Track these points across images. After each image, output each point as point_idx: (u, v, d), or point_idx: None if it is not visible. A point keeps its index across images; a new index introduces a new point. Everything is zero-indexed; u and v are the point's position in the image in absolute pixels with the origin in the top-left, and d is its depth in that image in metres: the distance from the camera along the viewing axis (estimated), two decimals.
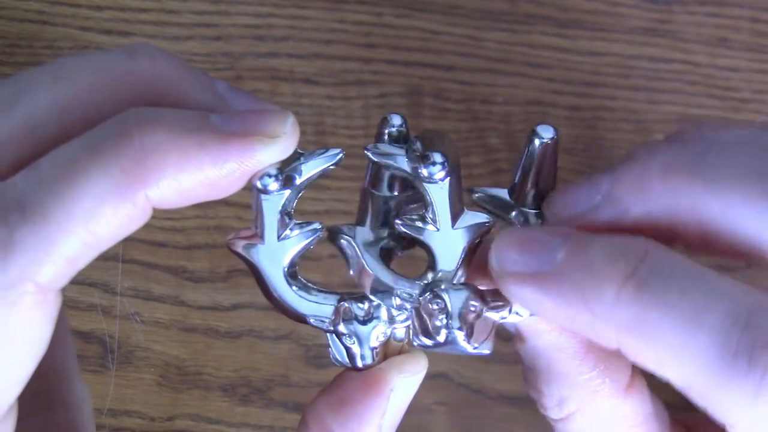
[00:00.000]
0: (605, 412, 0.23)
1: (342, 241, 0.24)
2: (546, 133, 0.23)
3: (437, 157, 0.21)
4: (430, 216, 0.23)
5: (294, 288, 0.23)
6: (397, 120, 0.23)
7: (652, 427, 0.23)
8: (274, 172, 0.21)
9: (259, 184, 0.21)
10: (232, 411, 0.36)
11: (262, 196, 0.22)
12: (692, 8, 0.40)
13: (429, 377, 0.36)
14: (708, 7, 0.40)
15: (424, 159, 0.21)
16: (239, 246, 0.23)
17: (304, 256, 0.23)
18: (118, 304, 0.37)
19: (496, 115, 0.39)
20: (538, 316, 0.22)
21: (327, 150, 0.22)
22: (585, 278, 0.20)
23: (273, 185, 0.21)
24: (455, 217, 0.23)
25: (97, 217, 0.19)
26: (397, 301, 0.23)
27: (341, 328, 0.23)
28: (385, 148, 0.23)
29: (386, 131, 0.23)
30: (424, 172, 0.21)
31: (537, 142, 0.23)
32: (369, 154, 0.23)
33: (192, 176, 0.19)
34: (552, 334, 0.22)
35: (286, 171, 0.21)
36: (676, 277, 0.19)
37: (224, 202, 0.36)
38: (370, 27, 0.39)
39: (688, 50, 0.39)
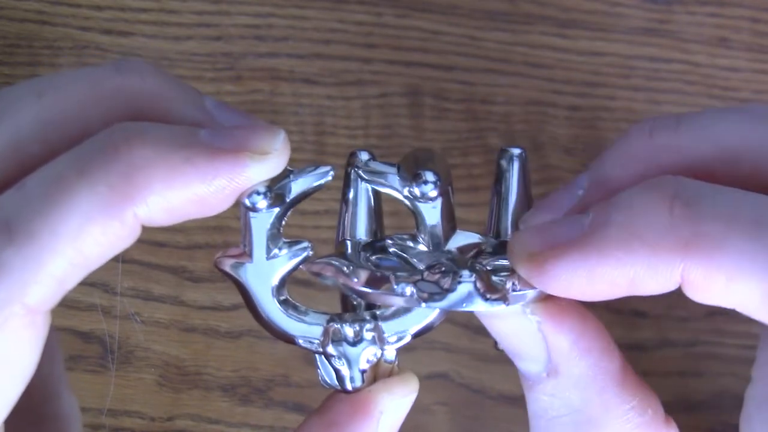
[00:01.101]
0: None
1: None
2: (514, 150, 0.23)
3: (429, 176, 0.21)
4: (422, 236, 0.22)
5: (282, 308, 0.23)
6: (364, 156, 0.23)
7: None
8: (263, 189, 0.20)
9: (247, 202, 0.21)
10: (232, 411, 0.36)
11: (251, 214, 0.21)
12: (692, 8, 0.40)
13: (429, 377, 0.36)
14: (708, 7, 0.40)
15: (416, 178, 0.21)
16: (227, 265, 0.22)
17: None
18: (118, 304, 0.37)
19: (496, 115, 0.39)
20: (583, 292, 0.20)
21: (317, 167, 0.22)
22: (630, 215, 0.19)
23: (262, 203, 0.21)
24: (446, 237, 0.22)
25: (84, 236, 0.18)
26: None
27: (330, 349, 0.22)
28: (376, 166, 0.22)
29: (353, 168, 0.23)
30: (416, 191, 0.21)
31: (507, 157, 0.23)
32: (360, 173, 0.22)
33: (180, 193, 0.19)
34: (592, 355, 0.21)
35: (275, 189, 0.21)
36: (719, 191, 0.19)
37: None
38: (370, 27, 0.39)
39: (688, 50, 0.39)
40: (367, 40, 0.39)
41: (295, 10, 0.40)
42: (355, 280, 0.21)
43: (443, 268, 0.21)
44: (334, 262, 0.22)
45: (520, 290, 0.21)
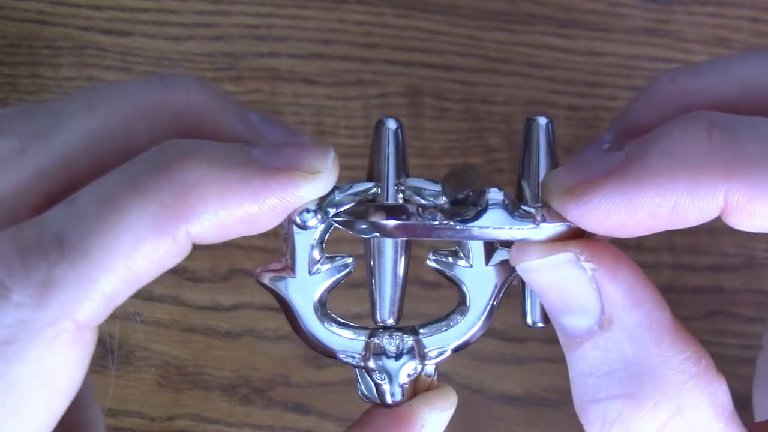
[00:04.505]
0: (705, 403, 0.20)
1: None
2: (541, 119, 0.23)
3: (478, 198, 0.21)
4: (464, 252, 0.22)
5: (324, 323, 0.23)
6: (392, 124, 0.23)
7: (738, 420, 0.21)
8: (313, 207, 0.21)
9: (298, 220, 0.21)
10: (232, 411, 0.36)
11: (296, 230, 0.21)
12: (692, 8, 0.40)
13: None
14: (708, 7, 0.40)
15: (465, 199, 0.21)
16: (267, 278, 0.22)
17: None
18: None
19: (496, 115, 0.39)
20: (622, 224, 0.19)
21: (360, 183, 0.22)
22: (669, 144, 0.19)
23: (312, 221, 0.21)
24: (489, 253, 0.22)
25: (137, 254, 0.18)
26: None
27: (371, 363, 0.22)
28: (417, 183, 0.22)
29: (384, 135, 0.23)
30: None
31: (534, 126, 0.23)
32: (402, 188, 0.22)
33: (233, 212, 0.19)
34: (647, 305, 0.20)
35: (323, 205, 0.21)
36: (753, 119, 0.19)
37: None
38: (370, 27, 0.39)
39: (688, 50, 0.39)
40: (367, 40, 0.39)
41: (295, 10, 0.40)
42: (382, 221, 0.21)
43: (470, 193, 0.21)
44: (359, 206, 0.22)
45: (549, 222, 0.21)
